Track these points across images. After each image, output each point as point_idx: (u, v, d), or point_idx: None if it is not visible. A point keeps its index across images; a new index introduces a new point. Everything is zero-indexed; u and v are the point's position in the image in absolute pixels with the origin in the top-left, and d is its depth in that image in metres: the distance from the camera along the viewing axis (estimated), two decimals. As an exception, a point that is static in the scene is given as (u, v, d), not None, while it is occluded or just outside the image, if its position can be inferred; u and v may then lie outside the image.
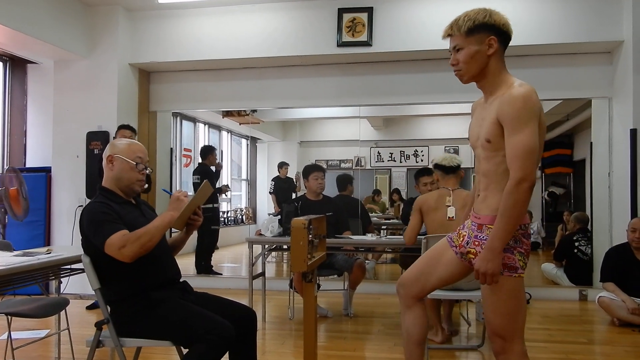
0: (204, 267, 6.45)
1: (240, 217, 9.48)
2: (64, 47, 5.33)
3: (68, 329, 3.30)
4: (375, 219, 7.41)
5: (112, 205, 2.24)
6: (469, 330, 4.23)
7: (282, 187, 8.14)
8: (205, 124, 8.83)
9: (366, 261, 5.59)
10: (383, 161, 9.54)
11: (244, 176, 9.85)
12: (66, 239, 5.45)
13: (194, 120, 8.51)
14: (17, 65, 6.06)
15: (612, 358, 3.56)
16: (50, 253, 2.79)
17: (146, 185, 2.40)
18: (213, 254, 6.66)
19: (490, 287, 1.94)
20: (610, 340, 4.03)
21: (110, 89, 5.59)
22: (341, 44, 5.36)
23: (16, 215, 4.59)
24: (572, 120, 7.72)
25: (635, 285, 4.30)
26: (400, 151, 9.46)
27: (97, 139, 5.52)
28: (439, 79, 5.51)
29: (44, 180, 5.66)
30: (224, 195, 7.77)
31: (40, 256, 2.66)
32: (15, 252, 2.85)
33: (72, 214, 5.36)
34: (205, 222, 5.83)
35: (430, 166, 4.15)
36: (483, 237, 1.97)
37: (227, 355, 2.20)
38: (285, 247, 4.54)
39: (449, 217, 3.66)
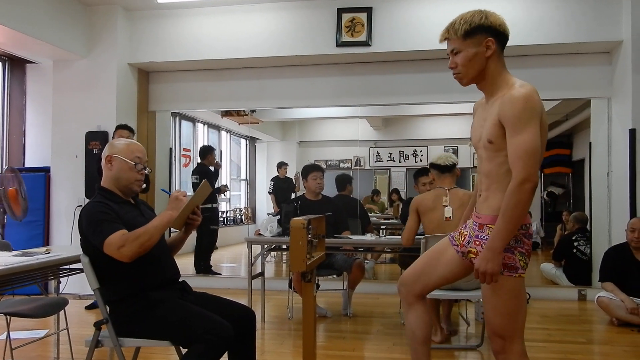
0: (203, 267, 6.45)
1: (239, 217, 9.48)
2: (63, 47, 5.32)
3: (67, 329, 3.30)
4: (374, 219, 7.41)
5: (111, 205, 2.24)
6: (467, 330, 4.24)
7: (281, 187, 8.14)
8: (204, 124, 8.83)
9: (365, 261, 5.59)
10: (382, 161, 9.54)
11: (243, 176, 9.85)
12: (65, 239, 5.45)
13: (193, 120, 8.51)
14: (16, 65, 6.06)
15: (611, 358, 3.56)
16: (49, 253, 2.79)
17: (144, 185, 2.40)
18: (212, 254, 6.66)
19: (491, 287, 1.94)
20: (609, 340, 4.04)
21: (109, 88, 5.58)
22: (340, 44, 5.36)
23: (15, 215, 4.58)
24: (571, 120, 7.73)
25: (634, 285, 4.30)
26: (400, 151, 9.47)
27: (96, 139, 5.52)
28: (438, 79, 5.51)
29: (42, 180, 5.66)
30: (222, 195, 7.77)
31: (39, 256, 2.66)
32: (14, 252, 2.85)
33: (71, 213, 5.36)
34: (204, 222, 5.85)
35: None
36: (484, 236, 1.97)
37: (226, 355, 2.20)
38: (284, 247, 4.54)
39: (446, 218, 3.64)
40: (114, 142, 2.39)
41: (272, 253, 7.01)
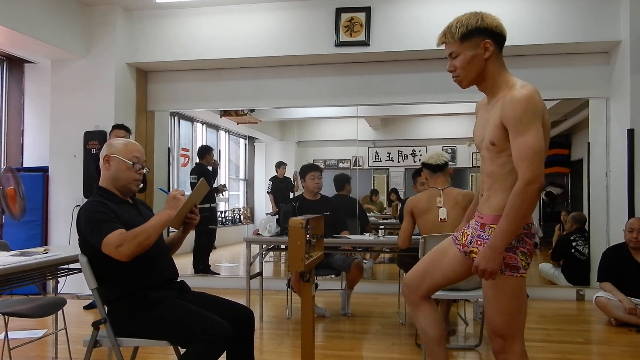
0: (202, 266, 6.45)
1: (238, 216, 9.47)
2: (62, 47, 5.32)
3: (65, 328, 3.29)
4: (372, 218, 7.41)
5: (109, 205, 2.24)
6: (466, 330, 4.24)
7: (279, 187, 8.14)
8: (203, 124, 8.83)
9: (364, 261, 5.59)
10: (381, 161, 9.53)
11: (241, 176, 9.84)
12: (63, 238, 5.45)
13: (191, 120, 8.50)
14: (15, 65, 6.05)
15: (609, 358, 3.56)
16: (47, 253, 2.79)
17: (141, 185, 2.40)
18: (211, 254, 6.66)
19: (492, 287, 1.94)
20: (607, 340, 4.04)
21: (108, 88, 5.58)
22: (339, 44, 5.36)
23: (13, 215, 4.58)
24: (570, 120, 7.72)
25: (632, 285, 4.31)
26: (398, 151, 9.46)
27: (94, 139, 5.51)
28: (437, 78, 5.51)
29: (41, 180, 5.65)
30: (221, 195, 7.77)
31: (37, 256, 2.66)
32: (13, 252, 2.84)
33: (69, 213, 5.35)
34: (203, 222, 5.87)
35: None
36: (485, 236, 1.97)
37: (224, 355, 2.20)
38: (282, 246, 4.54)
39: (440, 219, 3.59)
40: (112, 141, 2.38)
41: (271, 253, 7.01)
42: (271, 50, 5.51)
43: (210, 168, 6.73)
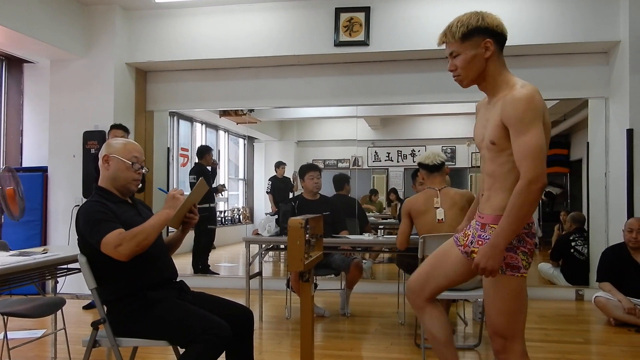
0: (201, 266, 6.45)
1: (237, 216, 9.47)
2: (61, 47, 5.31)
3: (64, 328, 3.29)
4: (372, 218, 7.41)
5: (108, 205, 2.24)
6: (465, 330, 4.24)
7: (279, 187, 8.14)
8: (202, 124, 8.82)
9: (363, 261, 5.59)
10: (380, 161, 9.53)
11: (241, 176, 9.84)
12: (62, 238, 5.44)
13: (191, 119, 8.50)
14: (14, 65, 6.05)
15: (608, 358, 3.56)
16: (46, 253, 2.79)
17: (140, 185, 2.40)
18: (210, 254, 6.66)
19: (493, 287, 1.94)
20: (606, 340, 4.04)
21: (107, 88, 5.58)
22: (338, 44, 5.36)
23: (13, 215, 4.57)
24: (569, 120, 7.73)
25: (631, 285, 4.31)
26: (398, 151, 9.46)
27: (93, 139, 5.51)
28: (436, 78, 5.51)
29: (40, 179, 5.65)
30: (220, 195, 7.76)
31: (36, 256, 2.65)
32: (12, 252, 2.84)
33: (68, 213, 5.35)
34: (202, 222, 5.87)
35: None
36: (486, 236, 1.97)
37: (223, 355, 2.20)
38: (282, 246, 4.54)
39: (438, 220, 3.56)
40: (111, 141, 2.38)
41: (270, 253, 7.00)
42: (270, 50, 5.51)
43: (209, 168, 6.73)
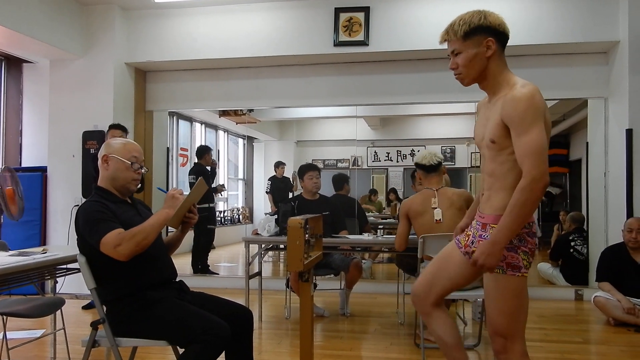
0: (201, 266, 6.44)
1: (236, 216, 9.47)
2: (60, 47, 5.31)
3: (64, 328, 3.29)
4: (371, 218, 7.41)
5: (108, 205, 2.24)
6: (465, 330, 4.24)
7: (278, 187, 8.14)
8: (201, 124, 8.82)
9: (363, 260, 5.59)
10: (380, 161, 9.53)
11: (240, 176, 9.84)
12: (62, 238, 5.44)
13: (190, 119, 8.50)
14: (13, 65, 6.04)
15: (608, 357, 3.57)
16: (45, 253, 2.78)
17: (139, 185, 2.40)
18: (209, 254, 6.66)
19: (494, 286, 1.94)
20: (605, 339, 4.05)
21: (107, 88, 5.58)
22: (338, 44, 5.36)
23: (12, 215, 4.57)
24: (568, 120, 7.73)
25: (630, 285, 4.31)
26: (397, 151, 9.46)
27: (93, 139, 5.51)
28: (436, 78, 5.51)
29: (39, 179, 5.65)
30: (219, 195, 7.77)
31: (35, 256, 2.65)
32: (11, 252, 2.84)
33: (67, 213, 5.35)
34: (202, 222, 5.86)
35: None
36: (487, 236, 1.97)
37: (223, 354, 2.20)
38: (281, 246, 4.54)
39: (436, 220, 3.55)
40: (111, 141, 2.38)
41: (270, 253, 7.00)
42: (270, 50, 5.51)
43: (208, 168, 6.73)
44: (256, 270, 4.59)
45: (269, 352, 3.58)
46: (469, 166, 8.75)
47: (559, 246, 5.98)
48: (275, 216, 4.36)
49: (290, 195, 8.02)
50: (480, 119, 2.09)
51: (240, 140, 9.80)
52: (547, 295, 5.39)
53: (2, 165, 5.66)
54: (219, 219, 8.65)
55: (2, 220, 4.84)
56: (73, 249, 2.50)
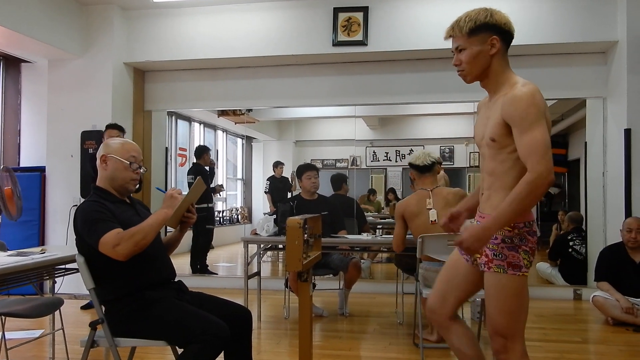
0: (199, 266, 6.44)
1: (235, 216, 9.47)
2: (59, 46, 5.31)
3: (62, 329, 3.29)
4: (370, 218, 7.41)
5: (106, 205, 2.23)
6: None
7: (277, 187, 8.14)
8: (200, 123, 8.82)
9: (362, 260, 5.59)
10: (378, 160, 9.53)
11: (239, 175, 9.84)
12: (60, 238, 5.43)
13: (189, 119, 8.50)
14: (11, 64, 6.03)
15: (606, 357, 3.57)
16: (44, 253, 2.78)
17: (137, 185, 2.40)
18: (208, 254, 6.65)
19: (494, 286, 1.94)
20: (604, 339, 4.05)
21: (105, 88, 5.57)
22: (336, 44, 5.36)
23: (10, 215, 4.56)
24: (567, 120, 7.75)
25: (629, 284, 4.32)
26: (396, 150, 9.46)
27: (91, 139, 5.50)
28: (435, 78, 5.52)
29: (38, 179, 5.64)
30: (218, 195, 7.77)
31: (34, 256, 2.65)
32: (9, 252, 2.84)
33: (66, 213, 5.34)
34: (200, 222, 5.86)
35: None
36: None
37: (222, 355, 2.20)
38: (280, 246, 4.54)
39: (431, 221, 3.53)
40: (109, 141, 2.38)
41: (269, 252, 7.01)
42: (269, 50, 5.50)
43: (207, 168, 6.72)
44: (255, 270, 4.59)
45: (268, 352, 3.58)
46: (468, 166, 8.75)
47: (558, 246, 5.99)
48: (274, 216, 4.36)
49: (289, 195, 8.02)
50: (481, 118, 2.09)
51: (239, 140, 9.80)
52: (546, 295, 5.40)
53: (1, 165, 5.66)
54: (218, 219, 8.64)
55: (0, 220, 4.84)
56: (72, 249, 2.50)
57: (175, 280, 2.40)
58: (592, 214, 5.47)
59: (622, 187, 4.91)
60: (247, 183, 9.78)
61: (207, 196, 6.37)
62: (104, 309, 2.23)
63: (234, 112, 7.50)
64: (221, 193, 8.10)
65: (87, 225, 2.16)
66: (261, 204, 9.20)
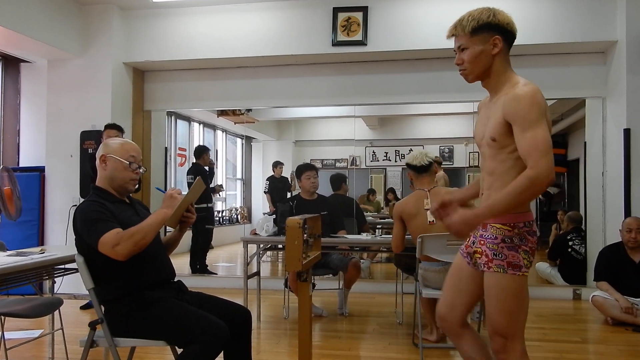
0: (199, 266, 6.44)
1: (235, 216, 9.47)
2: (58, 46, 5.30)
3: (62, 329, 3.29)
4: (370, 218, 7.41)
5: (106, 204, 2.23)
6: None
7: (276, 187, 8.13)
8: (200, 123, 8.82)
9: (361, 260, 5.59)
10: (378, 160, 9.53)
11: (238, 175, 9.84)
12: (60, 238, 5.43)
13: (188, 119, 8.49)
14: (11, 64, 6.03)
15: (606, 357, 3.57)
16: (43, 253, 2.78)
17: (136, 185, 2.40)
18: (208, 254, 6.65)
19: (494, 286, 1.94)
20: (603, 339, 4.05)
21: (104, 88, 5.57)
22: (336, 44, 5.36)
23: (10, 215, 4.56)
24: (566, 120, 7.75)
25: (628, 284, 4.32)
26: (395, 150, 9.46)
27: (90, 138, 5.50)
28: (434, 78, 5.52)
29: (37, 179, 5.64)
30: (217, 195, 7.77)
31: (33, 256, 2.65)
32: (9, 252, 2.83)
33: (65, 213, 5.34)
34: (200, 222, 5.86)
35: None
36: (488, 235, 1.96)
37: (221, 354, 2.20)
38: (280, 246, 4.54)
39: (429, 222, 3.52)
40: (108, 141, 2.37)
41: (268, 252, 7.01)
42: (268, 50, 5.50)
43: (207, 168, 6.72)
44: (254, 270, 4.59)
45: (268, 352, 3.58)
46: (467, 166, 8.75)
47: (557, 246, 5.99)
48: (274, 216, 4.36)
49: (289, 195, 8.02)
50: (481, 118, 2.09)
51: (239, 140, 9.79)
52: (546, 295, 5.40)
53: (0, 165, 5.65)
54: (217, 218, 8.64)
55: (0, 220, 4.84)
56: (71, 249, 2.49)
57: (175, 280, 2.40)
58: (591, 214, 5.47)
59: (622, 187, 4.91)
60: (246, 183, 9.77)
61: (206, 196, 6.37)
62: (103, 309, 2.23)
63: (234, 112, 7.50)
64: (221, 193, 8.10)
65: (87, 225, 2.16)
66: (261, 204, 9.19)
